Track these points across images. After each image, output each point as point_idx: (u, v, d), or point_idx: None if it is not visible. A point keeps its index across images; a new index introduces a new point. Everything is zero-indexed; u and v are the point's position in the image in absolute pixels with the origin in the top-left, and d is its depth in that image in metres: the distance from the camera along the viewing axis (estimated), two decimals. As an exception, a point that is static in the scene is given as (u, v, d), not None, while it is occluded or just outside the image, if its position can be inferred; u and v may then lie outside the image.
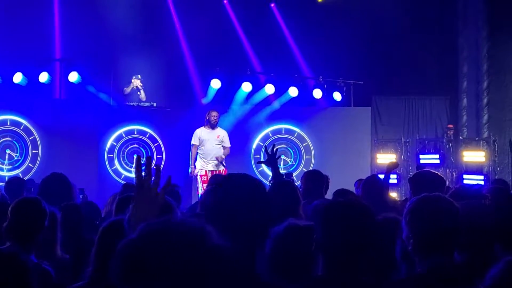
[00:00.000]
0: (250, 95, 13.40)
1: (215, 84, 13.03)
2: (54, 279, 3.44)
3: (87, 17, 13.14)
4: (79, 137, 12.14)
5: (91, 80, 12.57)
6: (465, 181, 12.09)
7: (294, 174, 12.05)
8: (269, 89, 13.25)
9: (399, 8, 14.13)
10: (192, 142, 11.61)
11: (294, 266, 2.85)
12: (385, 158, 13.38)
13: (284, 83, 13.43)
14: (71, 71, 12.28)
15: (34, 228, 3.62)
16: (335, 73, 13.85)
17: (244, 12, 14.53)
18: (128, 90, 13.10)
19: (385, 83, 15.33)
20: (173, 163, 12.64)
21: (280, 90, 13.38)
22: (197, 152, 11.60)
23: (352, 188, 7.32)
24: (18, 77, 11.94)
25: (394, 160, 8.34)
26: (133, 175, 12.51)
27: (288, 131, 13.55)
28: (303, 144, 13.49)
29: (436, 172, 5.12)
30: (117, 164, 12.73)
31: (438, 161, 13.41)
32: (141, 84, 13.12)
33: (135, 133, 12.95)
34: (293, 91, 13.34)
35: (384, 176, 6.46)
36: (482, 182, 11.70)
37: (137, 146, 12.89)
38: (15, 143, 12.24)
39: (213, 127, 11.58)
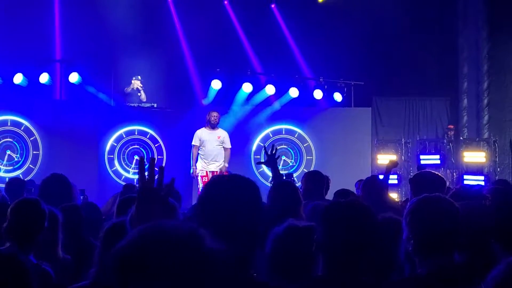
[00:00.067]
0: (250, 95, 13.40)
1: (216, 84, 13.03)
2: (54, 280, 3.44)
3: (87, 18, 13.14)
4: (79, 138, 12.15)
5: (91, 81, 12.57)
6: (465, 182, 12.08)
7: (294, 175, 12.05)
8: (270, 89, 13.25)
9: (399, 9, 14.13)
10: (193, 143, 11.61)
11: (294, 266, 2.85)
12: (386, 158, 13.34)
13: (285, 84, 13.43)
14: (71, 72, 12.29)
15: (34, 228, 3.63)
16: (336, 74, 13.86)
17: (245, 13, 14.53)
18: (128, 90, 13.11)
19: (385, 84, 15.33)
20: (173, 163, 12.64)
21: (281, 91, 13.38)
22: (198, 153, 11.60)
23: (353, 189, 7.31)
24: (18, 78, 11.94)
25: (394, 159, 8.31)
26: (132, 175, 12.53)
27: (288, 132, 13.54)
28: (304, 145, 13.49)
29: (437, 173, 5.11)
30: (117, 165, 12.73)
31: (438, 162, 13.41)
32: (141, 85, 13.12)
33: (136, 133, 12.95)
34: (293, 92, 13.34)
35: (384, 176, 6.45)
36: (482, 183, 11.70)
37: (137, 146, 12.89)
38: (16, 144, 12.24)
39: (213, 127, 11.58)
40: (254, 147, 13.21)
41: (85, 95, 12.55)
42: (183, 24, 14.25)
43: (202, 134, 11.57)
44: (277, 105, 13.50)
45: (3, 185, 8.33)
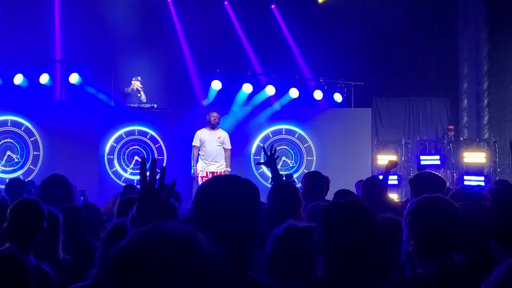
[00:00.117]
0: (250, 96, 13.40)
1: (216, 85, 13.03)
2: (53, 280, 3.44)
3: (87, 18, 13.14)
4: (80, 139, 12.14)
5: (91, 82, 12.57)
6: (465, 182, 12.08)
7: (295, 176, 12.05)
8: (270, 90, 13.25)
9: (399, 9, 14.13)
10: (193, 143, 11.62)
11: (294, 267, 2.85)
12: (386, 159, 13.35)
13: (285, 84, 13.43)
14: (71, 73, 12.29)
15: (33, 229, 3.63)
16: (336, 74, 13.85)
17: (245, 13, 14.53)
18: (128, 90, 13.10)
19: (385, 84, 15.34)
20: (174, 164, 12.63)
21: (281, 91, 13.38)
22: (198, 154, 11.60)
23: (353, 189, 7.32)
24: (18, 79, 11.94)
25: (393, 159, 8.32)
26: (129, 175, 12.52)
27: (289, 132, 13.54)
28: (305, 145, 13.48)
29: (437, 173, 5.11)
30: (117, 166, 12.72)
31: (438, 162, 13.40)
32: (141, 86, 13.12)
33: (136, 134, 12.94)
34: (293, 92, 13.34)
35: (383, 176, 6.45)
36: (482, 183, 11.70)
37: (137, 147, 12.87)
38: (16, 144, 12.23)
39: (213, 127, 11.57)
40: (254, 148, 13.21)
41: (85, 95, 12.55)
42: (183, 25, 14.26)
43: (202, 135, 11.57)
44: (277, 105, 13.50)
45: (3, 186, 8.33)
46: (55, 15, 13.51)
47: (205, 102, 13.37)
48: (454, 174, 13.83)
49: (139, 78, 13.15)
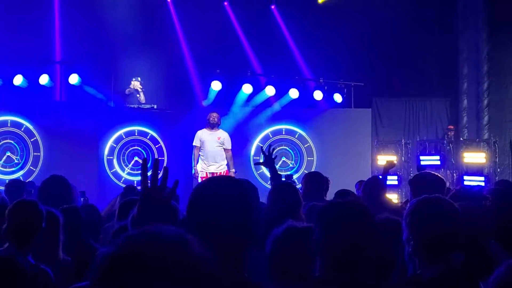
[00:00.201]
0: (250, 97, 13.40)
1: (216, 86, 13.03)
2: (53, 280, 3.44)
3: (87, 19, 13.14)
4: (80, 140, 12.13)
5: (91, 82, 12.57)
6: (465, 183, 12.07)
7: (295, 176, 12.05)
8: (270, 91, 13.25)
9: (399, 10, 14.13)
10: (193, 143, 11.63)
11: (293, 267, 2.85)
12: (386, 159, 13.37)
13: (285, 85, 13.43)
14: (71, 73, 12.28)
15: (31, 229, 3.64)
16: (336, 75, 13.85)
17: (245, 14, 14.53)
18: (131, 91, 13.09)
19: (385, 85, 15.34)
20: (174, 164, 12.64)
21: (281, 92, 13.38)
22: (199, 154, 11.60)
23: (353, 190, 7.31)
24: (18, 80, 11.94)
25: (391, 160, 8.32)
26: (126, 175, 12.51)
27: (289, 132, 13.54)
28: (305, 146, 13.48)
29: (436, 174, 5.12)
30: (116, 167, 12.69)
31: (438, 163, 13.40)
32: (141, 86, 13.12)
33: (136, 134, 12.92)
34: (293, 93, 13.34)
35: (382, 177, 6.46)
36: (482, 184, 11.70)
37: (137, 147, 12.85)
38: (16, 145, 12.21)
39: (212, 126, 11.57)
40: (253, 148, 13.20)
41: (85, 96, 12.54)
42: (183, 25, 14.25)
43: (202, 135, 11.57)
44: (277, 106, 13.49)
45: (2, 188, 8.33)
46: (55, 16, 13.51)
47: (205, 103, 13.37)
48: (454, 174, 13.83)
49: (139, 78, 13.15)
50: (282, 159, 13.34)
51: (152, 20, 14.01)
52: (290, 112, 13.49)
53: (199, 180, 11.44)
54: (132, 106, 12.97)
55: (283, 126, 13.51)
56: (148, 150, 12.89)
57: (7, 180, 9.50)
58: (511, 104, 15.53)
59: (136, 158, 12.74)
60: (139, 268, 1.33)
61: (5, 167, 12.14)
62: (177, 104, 13.71)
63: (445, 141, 14.49)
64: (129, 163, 12.75)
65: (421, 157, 13.60)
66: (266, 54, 14.33)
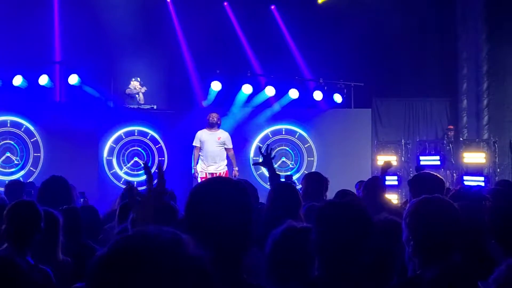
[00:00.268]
0: (250, 97, 13.39)
1: (216, 86, 13.02)
2: (53, 280, 3.45)
3: (86, 19, 13.13)
4: (79, 140, 12.11)
5: (91, 83, 12.56)
6: (465, 183, 12.07)
7: (296, 176, 12.04)
8: (270, 91, 13.24)
9: (399, 10, 14.13)
10: (193, 143, 11.63)
11: (293, 267, 2.85)
12: (385, 159, 13.36)
13: (285, 85, 13.42)
14: (71, 74, 12.28)
15: (30, 230, 3.64)
16: (336, 75, 13.85)
17: (244, 14, 14.52)
18: (133, 92, 13.07)
19: (385, 85, 15.34)
20: (174, 165, 12.64)
21: (281, 92, 13.37)
22: (199, 154, 11.61)
23: (353, 190, 7.30)
24: (18, 80, 11.93)
25: (388, 160, 8.31)
26: (128, 177, 12.50)
27: (289, 132, 13.53)
28: (305, 146, 13.47)
29: (436, 174, 5.11)
30: (116, 167, 12.66)
31: (438, 163, 13.40)
32: (140, 87, 13.11)
33: (136, 134, 12.90)
34: (293, 93, 13.33)
35: (380, 177, 6.45)
36: (482, 184, 11.69)
37: (137, 148, 12.83)
38: (16, 146, 12.19)
39: (211, 126, 11.56)
40: (253, 149, 13.19)
41: (85, 97, 12.54)
42: (183, 26, 14.25)
43: (202, 135, 11.57)
44: (277, 106, 13.49)
45: (2, 189, 8.32)
46: (54, 17, 13.50)
47: (205, 103, 13.37)
48: (454, 175, 13.83)
49: (138, 79, 13.14)
50: (282, 159, 13.33)
51: (152, 20, 14.00)
52: (290, 113, 13.48)
53: (199, 180, 11.44)
54: (132, 106, 12.96)
55: (283, 126, 13.50)
56: (148, 151, 12.88)
57: (7, 181, 9.50)
58: (511, 104, 15.53)
59: (135, 159, 12.73)
60: (132, 269, 1.32)
61: (5, 168, 12.11)
62: (177, 104, 13.71)
63: (445, 141, 14.49)
64: (131, 165, 12.72)
65: (421, 157, 13.60)
66: (266, 54, 14.33)
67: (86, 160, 12.20)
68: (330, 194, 6.45)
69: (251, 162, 12.93)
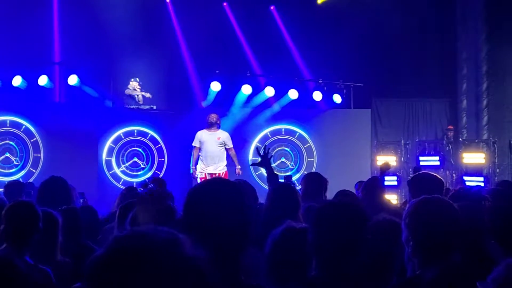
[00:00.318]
0: (250, 97, 13.39)
1: (215, 86, 13.02)
2: (53, 280, 3.45)
3: (86, 20, 13.12)
4: (79, 141, 12.10)
5: (90, 83, 12.56)
6: (466, 183, 12.08)
7: (295, 177, 12.03)
8: (269, 91, 13.24)
9: (399, 10, 14.13)
10: (193, 144, 11.62)
11: (292, 268, 2.85)
12: (385, 160, 13.37)
13: (284, 86, 13.42)
14: (70, 74, 12.27)
15: (28, 230, 3.64)
16: (335, 75, 13.85)
17: (244, 14, 14.53)
18: (133, 93, 13.06)
19: (385, 85, 15.34)
20: (174, 165, 12.63)
21: (280, 93, 13.37)
22: (198, 154, 11.60)
23: (353, 190, 7.30)
24: (17, 81, 11.92)
25: (387, 161, 8.32)
26: (129, 178, 12.51)
27: (288, 132, 13.52)
28: (305, 146, 13.46)
29: (435, 174, 5.10)
30: (115, 168, 12.64)
31: (438, 163, 13.41)
32: (139, 87, 13.11)
33: (135, 134, 12.88)
34: (293, 94, 13.33)
35: (379, 178, 6.46)
36: (482, 184, 11.70)
37: (137, 148, 12.81)
38: (15, 146, 12.17)
39: (211, 126, 11.55)
40: (252, 149, 13.19)
41: (84, 97, 12.53)
42: (182, 26, 14.24)
43: (202, 136, 11.57)
44: (276, 107, 13.49)
45: (1, 189, 8.32)
46: (54, 17, 13.50)
47: (204, 104, 13.36)
48: (454, 175, 13.83)
49: (137, 79, 13.13)
50: (282, 159, 13.33)
51: (151, 20, 14.00)
52: (290, 113, 13.48)
53: (198, 180, 11.44)
54: (131, 107, 12.95)
55: (283, 126, 13.50)
56: (148, 151, 12.87)
57: (6, 182, 9.49)
58: (511, 104, 15.54)
59: (135, 159, 12.72)
60: (130, 269, 1.32)
61: (4, 168, 12.08)
62: (177, 105, 13.71)
63: (444, 142, 14.49)
64: (130, 165, 12.70)
65: (421, 158, 13.61)
66: (266, 55, 14.33)
67: (86, 160, 12.19)
68: (330, 195, 6.44)
69: (250, 162, 12.92)
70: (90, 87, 12.55)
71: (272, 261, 2.91)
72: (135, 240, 1.36)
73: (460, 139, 14.77)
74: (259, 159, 5.76)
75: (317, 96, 13.51)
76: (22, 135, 12.16)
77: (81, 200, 7.91)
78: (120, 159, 12.68)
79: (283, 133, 13.51)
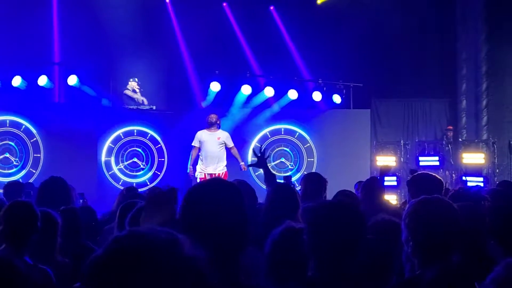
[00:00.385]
0: (249, 98, 13.39)
1: (215, 87, 13.02)
2: (54, 279, 3.45)
3: (85, 20, 13.12)
4: (79, 141, 12.09)
5: (90, 83, 12.55)
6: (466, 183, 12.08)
7: (294, 178, 12.02)
8: (269, 91, 13.24)
9: (398, 11, 14.14)
10: (193, 143, 11.62)
11: (291, 268, 2.85)
12: (385, 160, 13.39)
13: (284, 86, 13.42)
14: (70, 75, 12.27)
15: (26, 230, 3.64)
16: (335, 76, 13.85)
17: (243, 15, 14.53)
18: (131, 94, 13.05)
19: (384, 86, 15.34)
20: (174, 165, 12.62)
21: (280, 93, 13.37)
22: (198, 155, 11.61)
23: (352, 191, 7.29)
24: (17, 81, 11.92)
25: (387, 164, 8.34)
26: (128, 178, 12.51)
27: (288, 132, 13.51)
28: (305, 146, 13.46)
29: (434, 174, 5.10)
30: (115, 168, 12.62)
31: (437, 163, 13.41)
32: (138, 87, 13.10)
33: (135, 134, 12.86)
34: (292, 94, 13.33)
35: (379, 178, 6.45)
36: (481, 184, 11.70)
37: (137, 149, 12.80)
38: (15, 146, 12.15)
39: (211, 125, 11.55)
40: (251, 149, 13.17)
41: (84, 97, 12.52)
42: (182, 26, 14.25)
43: (202, 136, 11.57)
44: (276, 107, 13.49)
45: (0, 190, 8.31)
46: (53, 17, 13.50)
47: (204, 104, 13.36)
48: (453, 175, 13.83)
49: (136, 79, 13.13)
50: (281, 159, 13.32)
51: (151, 21, 14.00)
52: (289, 113, 13.47)
53: (198, 181, 11.44)
54: (131, 107, 12.94)
55: (282, 126, 13.49)
56: (148, 151, 12.85)
57: (5, 182, 9.48)
58: (510, 104, 15.54)
59: (134, 159, 12.71)
60: (129, 269, 1.31)
61: (4, 169, 12.05)
62: (176, 105, 13.71)
63: (444, 142, 14.49)
64: (129, 165, 12.69)
65: (420, 158, 13.61)
66: (265, 55, 14.33)
67: (85, 161, 12.18)
68: (330, 195, 6.44)
69: (249, 163, 12.92)
70: (90, 88, 12.55)
71: (272, 261, 2.91)
72: (135, 240, 1.36)
73: (460, 139, 14.77)
74: (256, 160, 5.76)
75: (317, 96, 13.51)
76: (22, 135, 12.13)
77: (81, 201, 7.91)
78: (120, 159, 12.66)
79: (282, 133, 13.50)
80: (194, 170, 11.55)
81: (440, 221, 2.87)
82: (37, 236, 3.66)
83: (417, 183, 4.84)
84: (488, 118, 15.47)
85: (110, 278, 1.31)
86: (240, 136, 12.90)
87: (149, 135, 12.89)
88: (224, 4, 14.76)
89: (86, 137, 12.26)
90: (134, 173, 12.69)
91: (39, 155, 12.14)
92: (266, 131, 13.39)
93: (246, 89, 13.20)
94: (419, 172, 5.47)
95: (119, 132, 12.70)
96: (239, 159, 11.60)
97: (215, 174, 11.27)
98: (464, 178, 12.82)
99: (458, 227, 2.90)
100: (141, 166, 12.80)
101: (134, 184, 11.58)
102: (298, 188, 7.17)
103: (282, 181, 8.37)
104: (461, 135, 15.31)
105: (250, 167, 11.87)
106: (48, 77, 12.30)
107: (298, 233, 2.88)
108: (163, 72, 13.99)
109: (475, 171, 13.58)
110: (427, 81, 15.46)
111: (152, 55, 13.69)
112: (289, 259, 2.86)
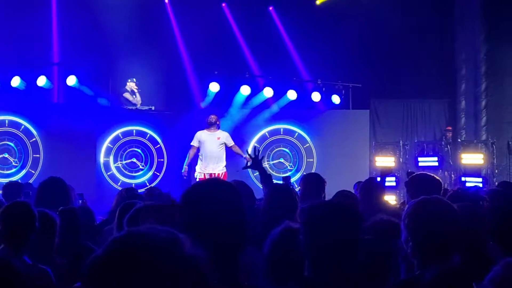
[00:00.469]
0: (248, 98, 13.39)
1: (214, 87, 13.02)
2: (53, 279, 3.45)
3: (84, 21, 13.13)
4: (78, 142, 12.07)
5: (89, 84, 12.55)
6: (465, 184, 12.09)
7: (294, 178, 12.02)
8: (268, 92, 13.25)
9: (397, 11, 14.14)
10: (191, 143, 11.63)
11: (290, 268, 2.85)
12: (384, 161, 13.40)
13: (283, 86, 13.42)
14: (69, 75, 12.26)
15: (25, 231, 3.64)
16: (334, 76, 13.85)
17: (242, 15, 14.54)
18: (128, 96, 13.04)
19: (383, 86, 15.35)
20: (173, 166, 12.62)
21: (279, 93, 13.37)
22: (197, 155, 11.60)
23: (351, 191, 7.29)
24: (16, 81, 11.91)
25: (387, 166, 8.36)
26: (127, 179, 12.50)
27: (287, 132, 13.50)
28: (304, 146, 13.45)
29: (433, 175, 5.10)
30: (113, 169, 12.60)
31: (436, 164, 13.41)
32: (137, 87, 13.10)
33: (134, 134, 12.84)
34: (291, 94, 13.33)
35: (380, 179, 6.46)
36: (480, 185, 11.70)
37: (136, 149, 12.78)
38: (14, 147, 12.13)
39: (210, 125, 11.55)
40: (249, 149, 13.17)
41: (83, 98, 12.52)
42: (181, 27, 14.25)
43: (201, 136, 11.58)
44: (275, 107, 13.49)
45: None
46: (53, 18, 13.50)
47: (203, 104, 13.36)
48: (452, 176, 13.83)
49: (134, 79, 13.12)
50: (280, 159, 13.32)
51: (150, 21, 14.01)
52: (288, 114, 13.47)
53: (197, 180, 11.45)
54: (129, 107, 12.93)
55: (281, 126, 13.48)
56: (147, 152, 12.83)
57: (4, 183, 9.47)
58: (509, 105, 15.55)
59: (133, 159, 12.70)
60: (129, 269, 1.31)
61: (3, 170, 12.03)
62: (175, 105, 13.71)
63: (443, 142, 14.49)
64: (128, 165, 12.67)
65: (419, 158, 13.61)
66: (264, 56, 14.33)
67: (84, 161, 12.17)
68: (329, 195, 6.44)
69: (249, 163, 12.90)
70: (89, 88, 12.54)
71: (271, 261, 2.91)
72: (134, 240, 1.36)
73: (459, 140, 14.78)
74: (251, 161, 5.78)
75: (316, 96, 13.52)
76: (21, 135, 12.11)
77: (80, 201, 7.90)
78: (118, 159, 12.63)
79: (281, 133, 13.49)
80: (190, 170, 11.56)
81: (440, 221, 2.87)
82: (35, 236, 3.66)
83: (416, 183, 4.83)
84: (487, 119, 15.48)
85: (110, 278, 1.31)
86: (239, 137, 12.89)
87: (148, 135, 12.87)
88: (223, 4, 14.77)
89: (85, 138, 12.25)
90: (133, 174, 12.67)
91: (38, 155, 12.12)
92: (265, 131, 13.39)
93: (245, 90, 13.20)
94: (418, 173, 5.46)
95: (118, 132, 12.68)
96: (243, 154, 11.58)
97: (214, 174, 11.27)
98: (463, 178, 12.83)
99: (458, 228, 2.90)
100: (140, 167, 12.78)
101: (133, 184, 11.56)
102: (297, 189, 7.16)
103: (281, 181, 8.36)
104: (460, 135, 15.32)
105: (247, 169, 11.86)
106: (47, 78, 12.30)
107: (297, 233, 2.88)
108: (162, 72, 13.99)
109: (474, 172, 13.58)
110: (426, 81, 15.46)
111: (151, 56, 13.70)
112: (288, 259, 2.85)
